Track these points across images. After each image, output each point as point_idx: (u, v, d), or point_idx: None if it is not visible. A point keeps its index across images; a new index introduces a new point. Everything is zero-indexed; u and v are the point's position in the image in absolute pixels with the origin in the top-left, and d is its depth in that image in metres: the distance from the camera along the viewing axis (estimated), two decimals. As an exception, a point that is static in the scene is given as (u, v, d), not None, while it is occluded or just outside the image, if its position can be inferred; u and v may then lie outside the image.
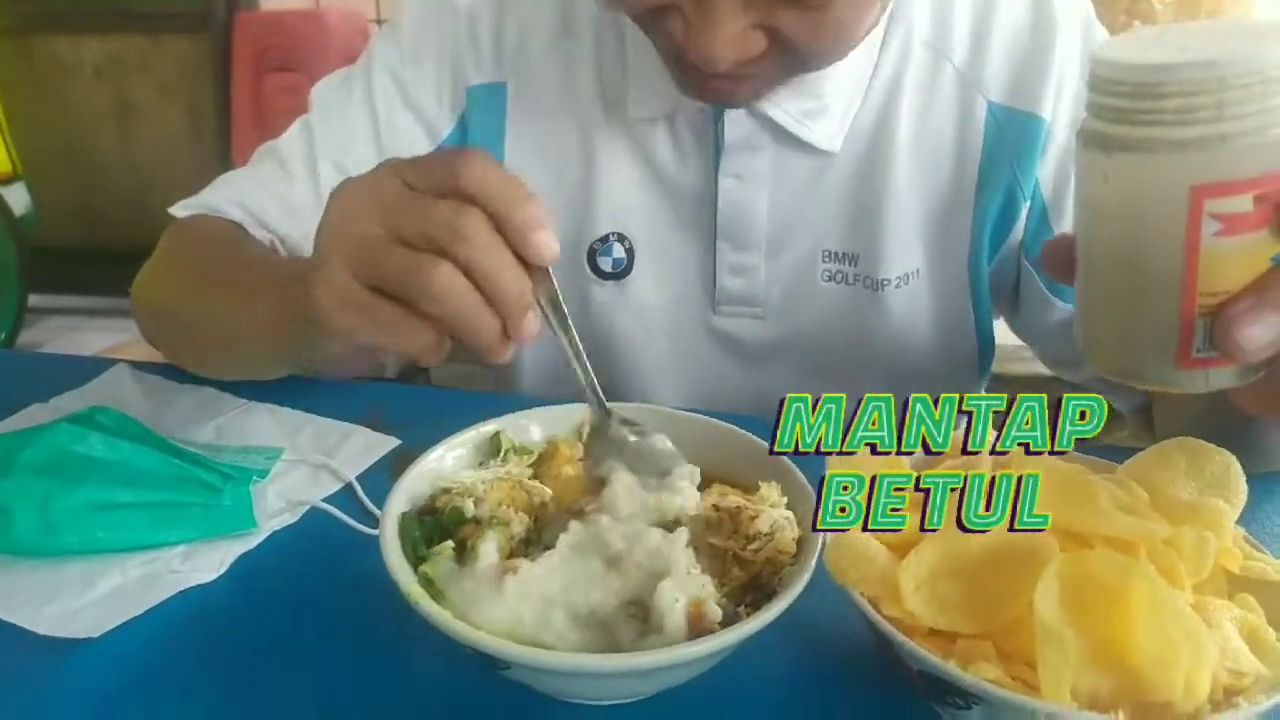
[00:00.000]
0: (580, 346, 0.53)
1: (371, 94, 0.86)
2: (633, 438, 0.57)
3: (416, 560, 0.50)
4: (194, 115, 3.47)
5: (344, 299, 0.49)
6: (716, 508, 0.54)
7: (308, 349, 0.64)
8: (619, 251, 0.86)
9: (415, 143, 0.87)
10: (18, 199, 3.28)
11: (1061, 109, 0.80)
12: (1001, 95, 0.80)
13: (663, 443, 0.57)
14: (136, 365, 0.87)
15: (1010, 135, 0.80)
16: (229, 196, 0.86)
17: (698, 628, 0.45)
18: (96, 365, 0.87)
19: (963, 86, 0.81)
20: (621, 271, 0.87)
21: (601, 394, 0.56)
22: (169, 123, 3.51)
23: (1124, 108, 0.42)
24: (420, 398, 0.91)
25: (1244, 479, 0.51)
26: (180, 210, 0.87)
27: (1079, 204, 0.47)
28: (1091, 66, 0.44)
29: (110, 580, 0.59)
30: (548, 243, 0.48)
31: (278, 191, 0.85)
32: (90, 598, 0.58)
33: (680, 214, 0.85)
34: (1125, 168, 0.42)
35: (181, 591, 0.59)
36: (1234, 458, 0.52)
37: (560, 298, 0.51)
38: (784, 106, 0.79)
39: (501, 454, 0.59)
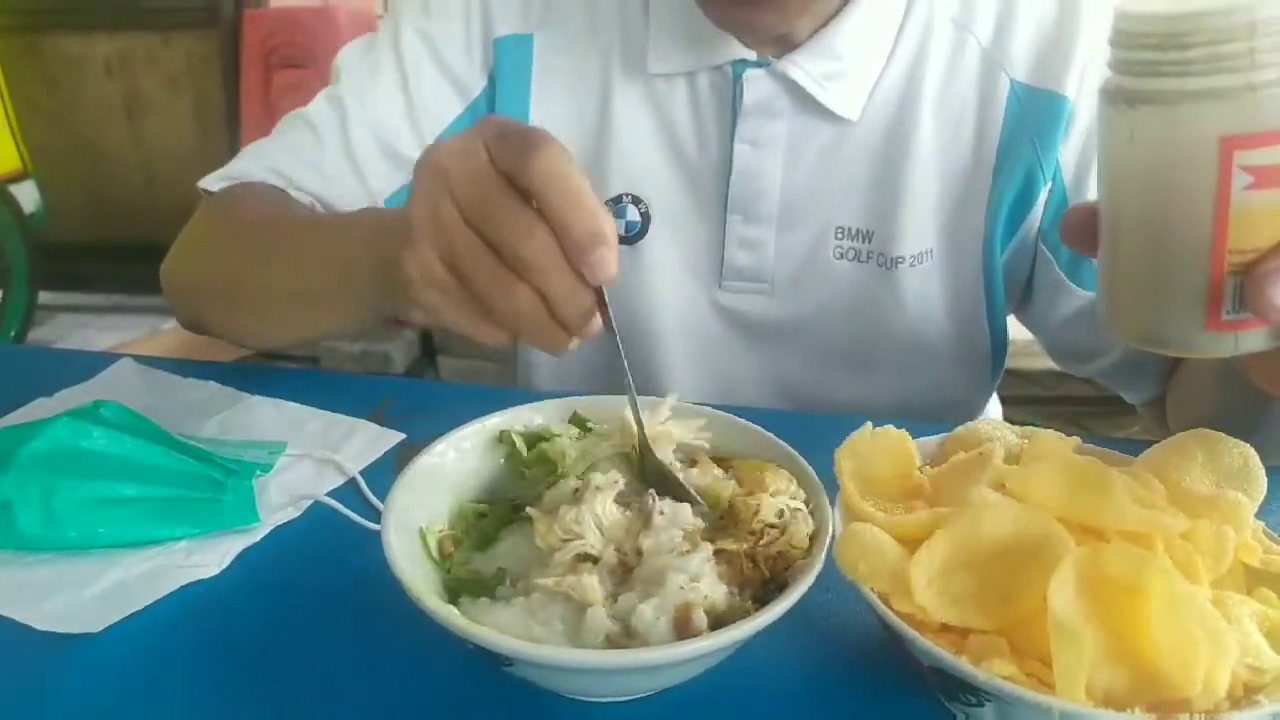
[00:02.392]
0: (627, 367, 0.53)
1: (400, 54, 0.85)
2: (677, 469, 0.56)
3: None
4: (203, 112, 3.48)
5: (432, 279, 0.50)
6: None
7: (387, 305, 0.65)
8: (633, 214, 0.85)
9: (445, 101, 0.86)
10: (27, 196, 3.29)
11: (1086, 91, 0.79)
12: (1025, 74, 0.80)
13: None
14: (141, 360, 0.87)
15: (1032, 114, 0.79)
16: (261, 164, 0.85)
17: (684, 631, 0.45)
18: (101, 360, 0.87)
19: (986, 63, 0.80)
20: (635, 235, 0.86)
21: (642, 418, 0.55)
22: (178, 119, 3.53)
23: (1150, 60, 0.40)
24: (426, 392, 0.90)
25: (1263, 471, 0.50)
26: (211, 183, 0.86)
27: (1102, 165, 0.46)
28: (1114, 21, 0.42)
29: (112, 575, 0.59)
30: (606, 265, 0.47)
31: (310, 157, 0.85)
32: (92, 593, 0.57)
33: (693, 181, 0.85)
34: (1151, 122, 0.41)
35: (184, 586, 0.58)
36: (1252, 449, 0.51)
37: (610, 313, 0.51)
38: (804, 67, 0.78)
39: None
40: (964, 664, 0.42)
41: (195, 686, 0.52)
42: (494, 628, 0.44)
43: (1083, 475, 0.47)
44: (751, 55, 0.79)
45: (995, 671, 0.41)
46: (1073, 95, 0.79)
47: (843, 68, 0.79)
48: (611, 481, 0.53)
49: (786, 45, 0.79)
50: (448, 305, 0.50)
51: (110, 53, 3.49)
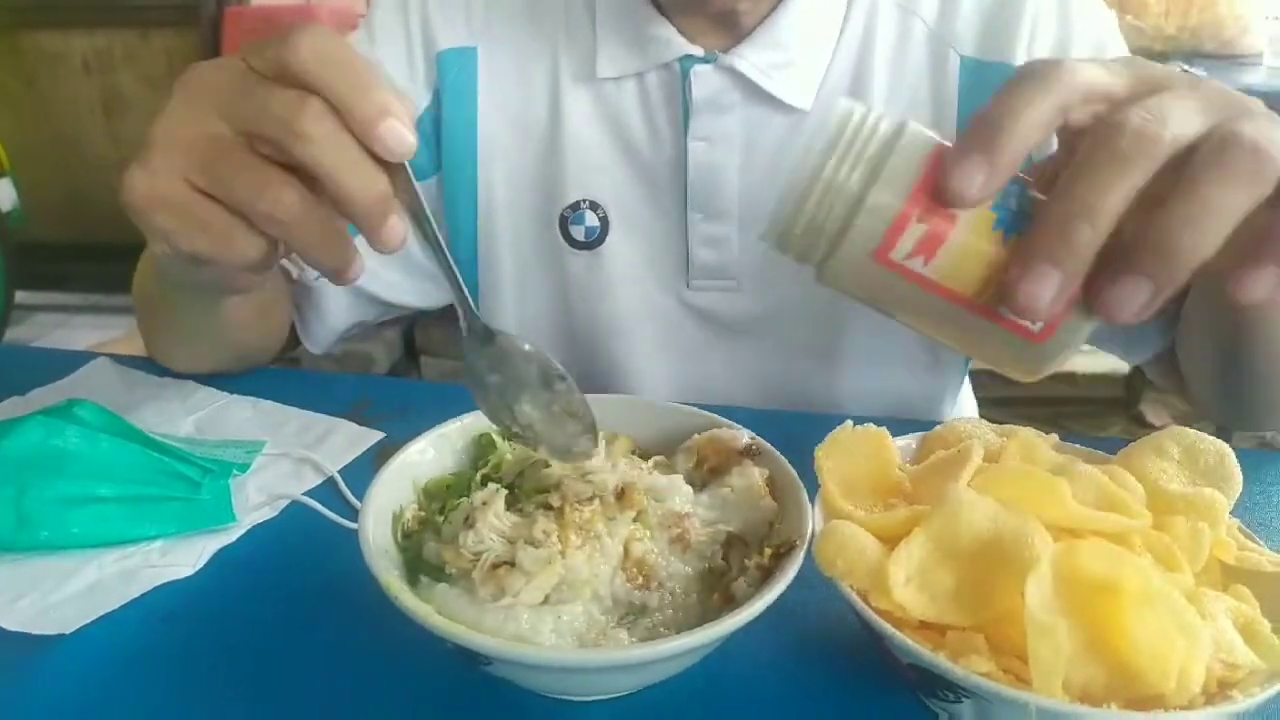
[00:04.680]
0: (450, 257, 0.47)
1: None
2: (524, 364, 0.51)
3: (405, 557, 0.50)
4: (183, 110, 3.45)
5: (160, 196, 0.45)
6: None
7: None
8: (591, 220, 0.85)
9: None
10: (4, 195, 3.27)
11: (1036, 54, 0.78)
12: (973, 49, 0.80)
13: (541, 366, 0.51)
14: (118, 359, 0.86)
15: (986, 90, 0.78)
16: None
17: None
18: (78, 359, 0.86)
19: (934, 43, 0.81)
20: (594, 241, 0.86)
21: (474, 307, 0.50)
22: (158, 118, 3.49)
23: (800, 253, 0.43)
24: (406, 391, 0.90)
25: (1239, 469, 0.50)
26: None
27: None
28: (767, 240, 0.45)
29: (86, 575, 0.58)
30: (398, 134, 0.42)
31: None
32: (65, 593, 0.56)
33: (651, 182, 0.84)
34: (831, 277, 0.43)
35: (158, 586, 0.58)
36: (1229, 447, 0.51)
37: (422, 200, 0.45)
38: (750, 59, 0.79)
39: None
40: (942, 661, 0.42)
41: (169, 688, 0.51)
42: (470, 625, 0.44)
43: (1030, 480, 0.47)
44: (698, 51, 0.79)
45: (973, 668, 0.41)
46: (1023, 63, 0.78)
47: (789, 57, 0.79)
48: (492, 492, 0.52)
49: (732, 38, 0.80)
50: (182, 225, 0.45)
51: (89, 50, 3.45)
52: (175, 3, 3.27)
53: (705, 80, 0.79)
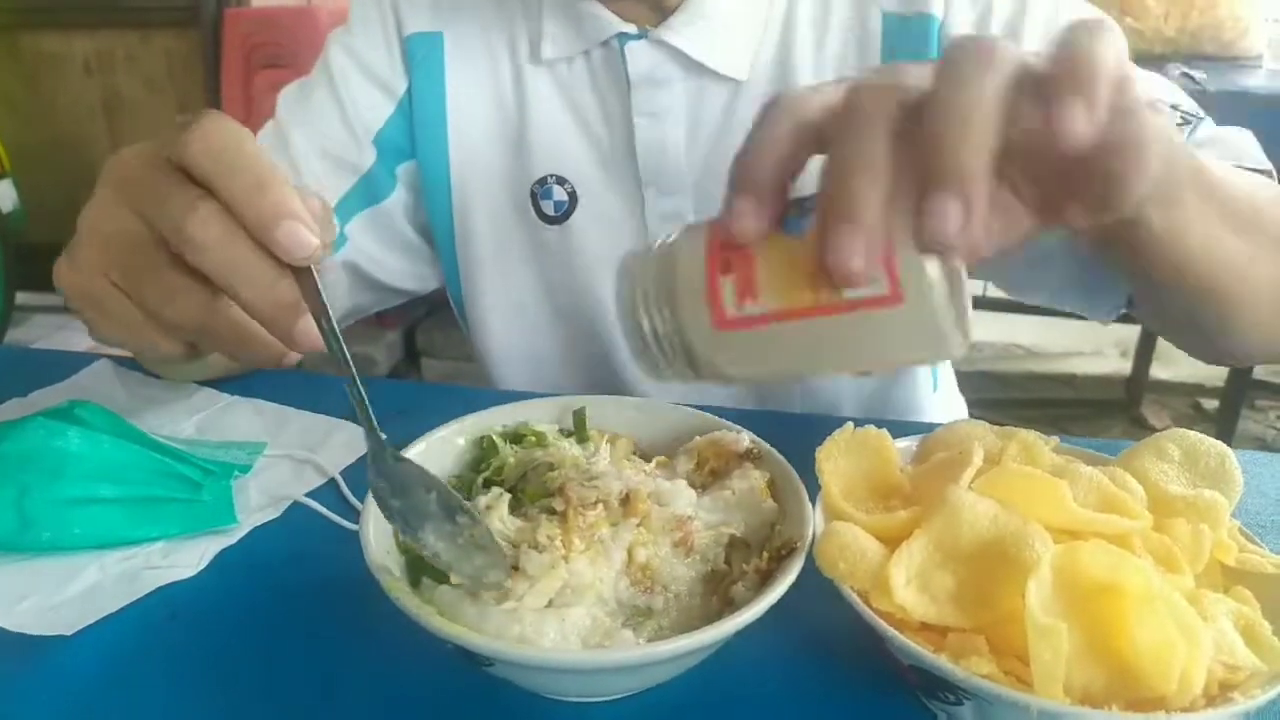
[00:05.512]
0: (351, 364, 0.45)
1: (330, 73, 0.87)
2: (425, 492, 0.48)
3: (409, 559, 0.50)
4: (183, 112, 3.45)
5: (82, 289, 0.45)
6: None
7: None
8: (560, 194, 0.86)
9: (376, 106, 0.87)
10: (5, 196, 3.25)
11: (957, 6, 0.77)
12: (895, 3, 0.79)
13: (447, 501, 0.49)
14: (119, 361, 0.86)
15: (906, 42, 0.78)
16: None
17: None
18: (78, 360, 0.86)
19: (857, 3, 0.80)
20: (563, 215, 0.87)
21: (378, 428, 0.47)
22: (158, 119, 3.49)
23: (669, 374, 0.43)
24: (407, 393, 0.90)
25: (1239, 470, 0.50)
26: None
27: None
28: None
29: (87, 576, 0.58)
30: (298, 237, 0.40)
31: None
32: (67, 594, 0.56)
33: (606, 159, 0.85)
34: (711, 372, 0.42)
35: (160, 587, 0.58)
36: (1229, 449, 0.51)
37: (328, 307, 0.42)
38: (680, 31, 0.79)
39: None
40: (943, 662, 0.42)
41: (171, 689, 0.51)
42: (472, 627, 0.44)
43: (1031, 481, 0.47)
44: (631, 28, 0.80)
45: (974, 670, 0.42)
46: (940, 12, 0.77)
47: (717, 27, 0.79)
48: (497, 496, 0.52)
49: (661, 13, 0.80)
50: (100, 318, 0.45)
51: (90, 51, 3.45)
52: (176, 4, 3.28)
53: (639, 55, 0.81)
